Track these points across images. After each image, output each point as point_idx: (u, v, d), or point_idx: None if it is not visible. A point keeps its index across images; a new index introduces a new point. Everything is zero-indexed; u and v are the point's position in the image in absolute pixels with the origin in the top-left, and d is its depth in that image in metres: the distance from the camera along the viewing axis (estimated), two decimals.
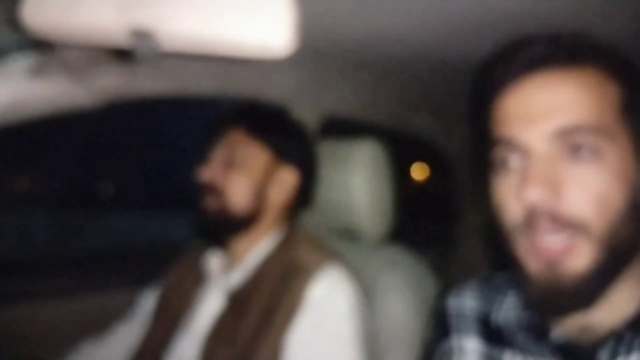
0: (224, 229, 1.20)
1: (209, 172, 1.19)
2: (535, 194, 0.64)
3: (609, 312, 0.69)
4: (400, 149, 1.58)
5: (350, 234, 1.38)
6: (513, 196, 0.68)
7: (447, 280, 1.37)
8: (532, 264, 0.68)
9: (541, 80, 0.68)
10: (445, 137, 1.86)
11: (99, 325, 1.35)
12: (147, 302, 1.34)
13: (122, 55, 1.13)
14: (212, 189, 1.18)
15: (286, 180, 1.24)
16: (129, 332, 1.30)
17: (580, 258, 0.65)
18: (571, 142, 0.65)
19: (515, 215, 0.68)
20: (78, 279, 1.69)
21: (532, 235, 0.66)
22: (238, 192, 1.18)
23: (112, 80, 1.21)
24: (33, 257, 2.45)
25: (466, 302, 0.88)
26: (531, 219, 0.66)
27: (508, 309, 0.81)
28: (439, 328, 0.90)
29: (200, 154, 1.24)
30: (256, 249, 1.21)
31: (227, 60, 1.20)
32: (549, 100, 0.67)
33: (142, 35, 0.61)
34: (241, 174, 1.19)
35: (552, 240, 0.65)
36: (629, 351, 0.67)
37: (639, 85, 0.69)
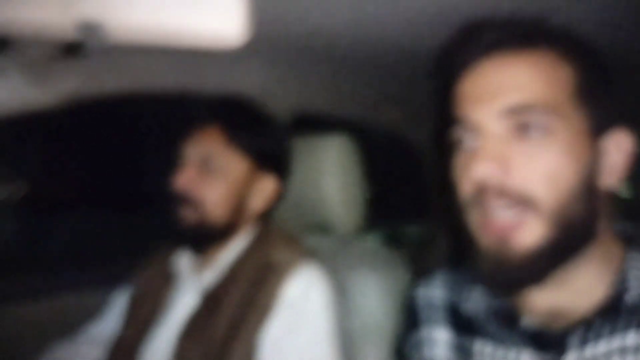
0: (204, 239, 1.16)
1: (183, 181, 1.13)
2: (483, 170, 0.65)
3: (576, 296, 0.70)
4: (370, 142, 1.58)
5: (323, 229, 1.37)
6: (465, 172, 0.70)
7: (422, 273, 1.37)
8: (483, 238, 0.69)
9: (495, 62, 0.70)
10: (412, 129, 1.87)
11: (70, 326, 1.32)
12: (119, 302, 1.31)
13: (75, 50, 1.09)
14: (187, 200, 1.13)
15: (267, 188, 1.20)
16: (101, 333, 1.28)
17: (529, 234, 0.65)
18: (521, 121, 0.66)
19: (466, 190, 0.70)
20: (48, 280, 1.66)
21: (482, 211, 0.68)
22: (217, 205, 1.14)
23: (72, 79, 1.17)
24: (1, 257, 2.40)
25: (435, 292, 0.87)
26: (480, 194, 0.67)
27: (477, 298, 0.80)
28: (408, 320, 0.89)
29: (170, 154, 1.20)
30: (230, 248, 1.18)
31: (192, 55, 1.17)
32: (500, 81, 0.68)
33: (89, 28, 0.59)
34: (219, 185, 1.14)
35: (501, 216, 0.66)
36: (597, 337, 0.67)
37: (594, 68, 0.71)
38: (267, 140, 1.21)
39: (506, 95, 0.67)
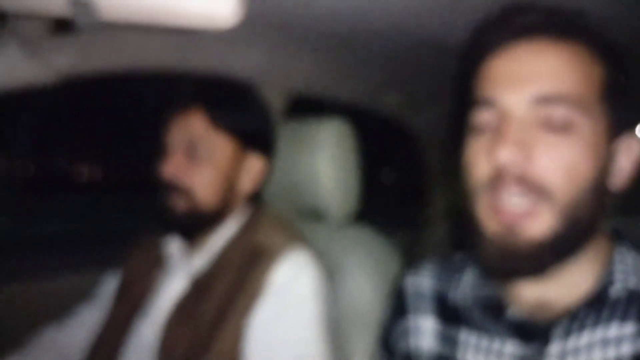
0: (194, 226, 1.15)
1: (171, 169, 1.11)
2: (507, 154, 0.65)
3: (564, 289, 0.70)
4: (369, 128, 1.57)
5: (316, 215, 1.37)
6: (484, 155, 0.69)
7: (414, 261, 1.37)
8: (491, 224, 0.68)
9: (529, 47, 0.69)
10: (412, 114, 1.85)
11: (60, 308, 1.32)
12: (109, 285, 1.31)
13: (66, 27, 1.08)
14: (177, 188, 1.11)
15: (254, 168, 1.20)
16: (91, 315, 1.28)
17: (539, 224, 0.66)
18: (549, 111, 0.66)
19: (482, 173, 0.69)
20: (39, 261, 1.65)
21: (495, 196, 0.67)
22: (207, 190, 1.12)
23: (67, 55, 1.16)
24: None
25: (423, 281, 0.87)
26: (498, 178, 0.67)
27: (465, 288, 0.81)
28: (396, 308, 0.90)
29: (158, 135, 1.18)
30: (219, 232, 1.18)
31: (186, 36, 1.16)
32: (533, 67, 0.68)
33: (80, 4, 0.58)
34: (208, 170, 1.12)
35: (514, 203, 0.66)
36: (581, 329, 0.68)
37: (622, 70, 0.70)
38: (251, 118, 1.19)
39: (539, 83, 0.66)
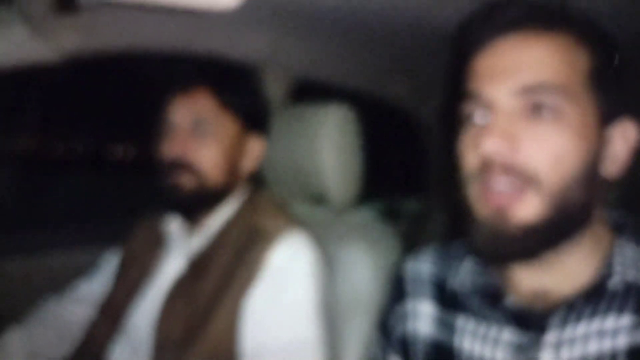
0: (200, 205, 1.16)
1: (177, 146, 1.12)
2: (492, 145, 0.66)
3: (562, 278, 0.71)
4: (372, 114, 1.57)
5: (317, 198, 1.37)
6: (472, 146, 0.71)
7: (416, 248, 1.37)
8: (482, 209, 0.69)
9: (514, 40, 0.70)
10: (418, 103, 1.84)
11: (60, 283, 1.33)
12: (110, 262, 1.32)
13: (68, 5, 1.07)
14: (182, 165, 1.12)
15: (254, 149, 1.22)
16: (92, 290, 1.29)
17: (527, 209, 0.66)
18: (534, 100, 0.67)
19: (472, 164, 0.71)
20: (39, 237, 1.67)
21: (485, 184, 0.68)
22: (214, 168, 1.13)
23: (72, 34, 1.16)
24: None
25: (423, 266, 0.88)
26: (485, 168, 0.68)
27: (464, 274, 0.81)
28: (395, 292, 0.90)
29: (159, 115, 1.18)
30: (219, 213, 1.18)
31: (191, 17, 1.15)
32: (517, 59, 0.69)
33: None
34: (215, 148, 1.13)
35: (502, 186, 0.67)
36: (578, 319, 0.68)
37: (609, 56, 0.71)
38: (254, 100, 1.22)
39: (522, 74, 0.67)
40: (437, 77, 1.70)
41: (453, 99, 0.79)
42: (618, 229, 0.74)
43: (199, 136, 1.13)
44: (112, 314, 1.17)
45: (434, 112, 1.90)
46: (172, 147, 1.13)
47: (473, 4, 0.75)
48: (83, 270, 1.36)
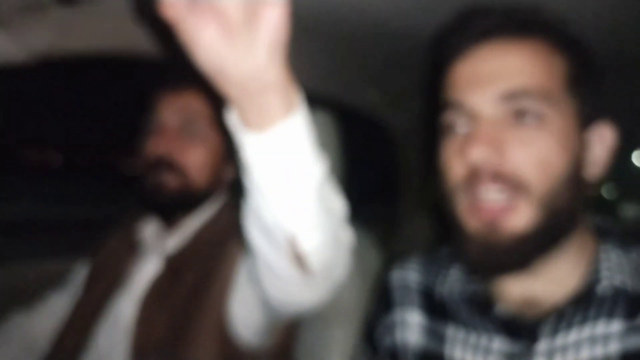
0: (181, 205, 1.14)
1: (163, 144, 1.10)
2: (479, 153, 0.66)
3: (550, 285, 0.71)
4: (347, 123, 1.56)
5: None
6: (457, 156, 0.70)
7: (392, 254, 1.36)
8: (471, 222, 0.69)
9: (492, 48, 0.71)
10: (391, 111, 1.85)
11: (30, 294, 1.29)
12: (80, 274, 1.28)
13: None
14: (167, 163, 1.10)
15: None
16: (61, 303, 1.25)
17: (519, 218, 0.66)
18: (517, 106, 0.67)
19: (458, 174, 0.70)
20: (9, 246, 1.61)
21: (473, 194, 0.68)
22: (200, 169, 1.12)
23: (44, 34, 1.12)
24: None
25: (410, 275, 0.87)
26: (473, 177, 0.68)
27: (452, 283, 0.81)
28: (382, 301, 0.89)
29: (143, 118, 1.16)
30: (196, 215, 1.16)
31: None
32: (497, 66, 0.69)
33: None
34: (202, 149, 1.12)
35: (492, 199, 0.67)
36: (569, 326, 0.68)
37: (585, 61, 0.72)
38: None
39: (503, 81, 0.67)
40: (409, 86, 1.71)
41: (431, 109, 0.78)
42: (601, 234, 0.75)
43: (186, 136, 1.12)
44: (80, 325, 1.12)
45: (407, 120, 1.91)
46: (158, 145, 1.11)
47: (446, 14, 0.75)
48: (54, 280, 1.32)
